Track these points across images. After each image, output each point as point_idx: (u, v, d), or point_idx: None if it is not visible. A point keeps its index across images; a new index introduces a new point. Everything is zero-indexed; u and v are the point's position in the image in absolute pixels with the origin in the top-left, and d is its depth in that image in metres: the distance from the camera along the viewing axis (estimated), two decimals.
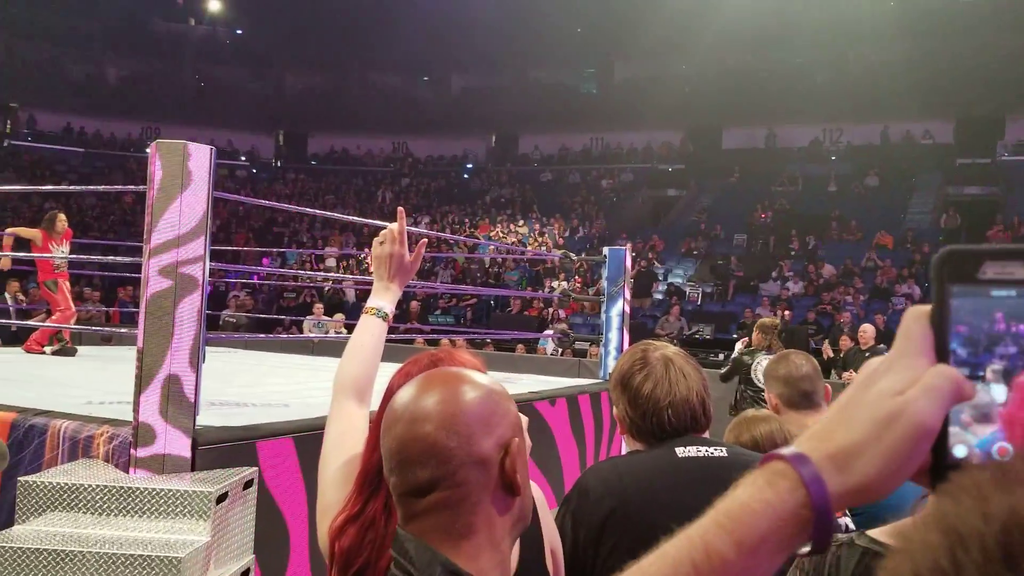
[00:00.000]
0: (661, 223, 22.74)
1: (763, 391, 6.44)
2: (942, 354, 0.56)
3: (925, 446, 0.55)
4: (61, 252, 6.58)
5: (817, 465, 0.56)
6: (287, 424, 3.38)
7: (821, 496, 0.55)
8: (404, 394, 1.00)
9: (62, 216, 6.70)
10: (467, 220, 22.36)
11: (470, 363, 1.33)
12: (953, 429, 0.55)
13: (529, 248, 18.13)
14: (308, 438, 3.34)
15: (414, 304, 15.71)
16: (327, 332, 11.01)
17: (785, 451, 0.58)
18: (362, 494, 1.27)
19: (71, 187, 4.28)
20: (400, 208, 1.84)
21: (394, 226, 1.71)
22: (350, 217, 5.68)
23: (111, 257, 7.68)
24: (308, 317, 11.50)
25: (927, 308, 0.57)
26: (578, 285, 16.44)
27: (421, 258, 1.71)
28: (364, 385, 1.54)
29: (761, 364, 6.56)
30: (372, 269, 1.72)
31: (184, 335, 2.91)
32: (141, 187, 3.09)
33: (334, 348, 8.99)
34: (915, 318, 0.58)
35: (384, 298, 1.68)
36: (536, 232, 20.90)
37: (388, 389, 1.31)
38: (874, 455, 0.55)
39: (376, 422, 1.20)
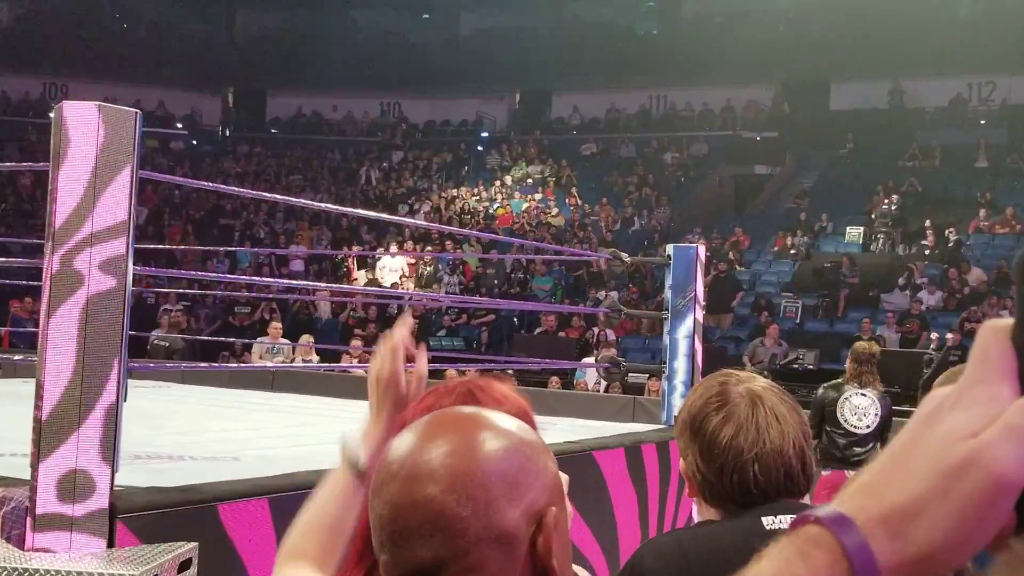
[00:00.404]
0: (746, 212, 22.65)
1: (854, 434, 6.86)
2: None
3: (1006, 503, 0.56)
4: None
5: (863, 530, 0.57)
6: (243, 484, 3.41)
7: (869, 570, 0.56)
8: (403, 442, 1.00)
9: None
10: (482, 208, 22.42)
11: (511, 402, 1.33)
12: None
13: (566, 246, 18.11)
14: (284, 500, 3.37)
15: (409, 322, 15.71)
16: (291, 360, 11.08)
17: (822, 511, 0.59)
18: (363, 562, 1.27)
19: None
20: (407, 316, 1.70)
21: (393, 336, 1.58)
22: (323, 205, 5.72)
23: (2, 259, 7.77)
24: (260, 340, 11.57)
25: (1010, 322, 0.59)
26: (633, 296, 16.42)
27: (423, 385, 1.56)
28: (321, 556, 1.45)
29: (851, 400, 6.89)
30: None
31: (99, 364, 2.94)
32: (43, 164, 3.14)
33: (300, 382, 9.01)
34: (994, 335, 0.59)
35: (368, 438, 1.55)
36: (575, 225, 20.92)
37: (402, 421, 1.35)
38: (939, 516, 0.56)
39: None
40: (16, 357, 4.48)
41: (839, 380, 7.14)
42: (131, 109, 3.10)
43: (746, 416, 1.76)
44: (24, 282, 8.71)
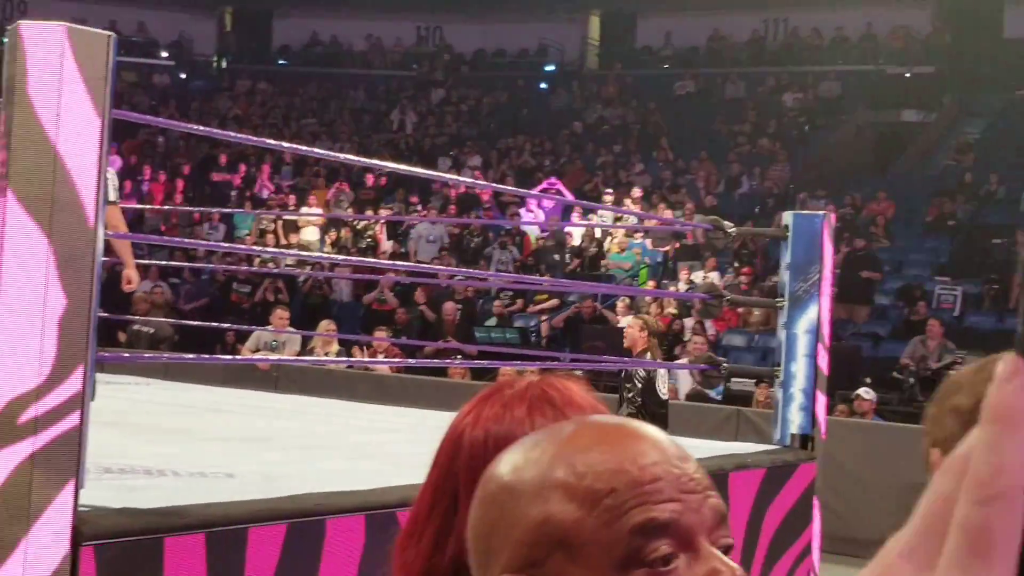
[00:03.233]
0: (891, 170, 22.36)
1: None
2: None
3: None
4: None
5: None
6: (240, 507, 3.48)
7: None
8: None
9: None
10: (547, 162, 22.39)
11: (592, 410, 1.39)
12: None
13: (653, 214, 18.04)
14: (300, 528, 3.44)
15: (450, 308, 15.79)
16: (316, 351, 11.11)
17: None
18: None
19: None
20: None
21: None
22: (345, 156, 5.75)
23: None
24: (259, 329, 11.65)
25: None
26: (740, 279, 16.32)
27: None
28: None
29: (662, 373, 8.55)
30: None
31: (61, 351, 2.98)
32: None
33: (310, 381, 9.09)
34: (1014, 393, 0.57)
35: None
36: (665, 186, 20.81)
37: (453, 434, 1.41)
38: None
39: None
40: None
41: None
42: (104, 32, 3.13)
43: None
44: None
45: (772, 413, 6.72)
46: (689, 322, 15.25)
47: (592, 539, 0.98)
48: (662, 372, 8.70)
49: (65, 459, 2.99)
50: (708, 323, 14.71)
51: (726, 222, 7.11)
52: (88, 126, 3.02)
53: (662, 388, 8.70)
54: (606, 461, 1.01)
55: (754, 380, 11.17)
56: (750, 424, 9.46)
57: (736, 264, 17.01)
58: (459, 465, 1.39)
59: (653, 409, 8.39)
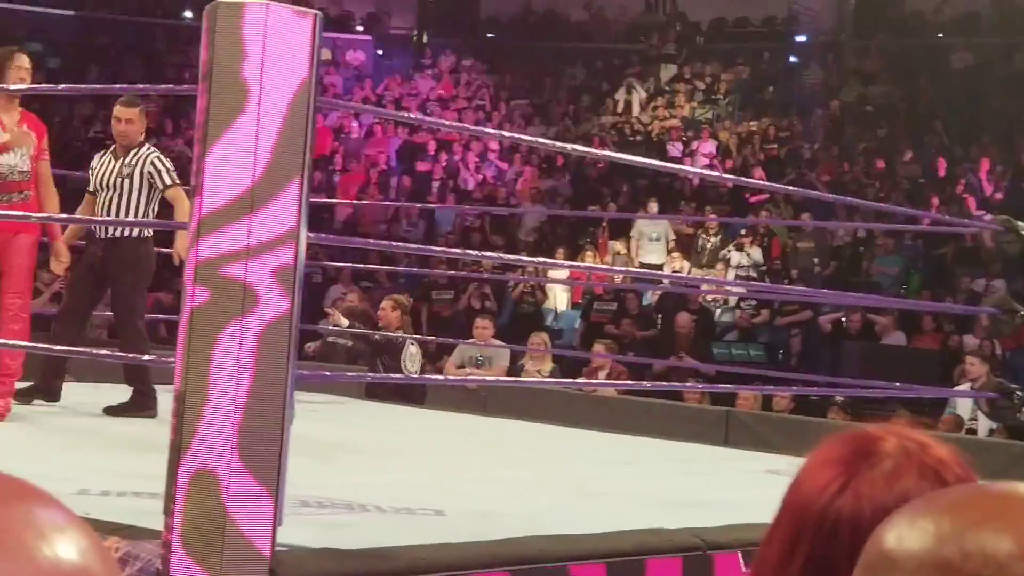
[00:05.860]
0: None
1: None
2: None
3: None
4: (15, 155, 6.51)
5: None
6: (453, 551, 3.51)
7: None
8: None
9: (23, 59, 6.60)
10: (799, 148, 22.07)
11: (959, 466, 1.39)
12: None
13: (926, 210, 17.60)
14: None
15: (683, 319, 15.70)
16: (526, 369, 11.20)
17: None
18: None
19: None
20: None
21: None
22: (563, 145, 5.78)
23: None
24: (464, 343, 11.77)
25: None
26: None
27: None
28: None
29: (411, 350, 9.89)
30: None
31: (261, 372, 3.05)
32: (185, 88, 3.29)
33: (524, 403, 9.12)
34: None
35: None
36: (939, 177, 20.31)
37: (823, 514, 1.39)
38: None
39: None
40: (145, 357, 4.68)
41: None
42: (310, 11, 3.20)
43: None
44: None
45: None
46: (970, 340, 14.86)
47: None
48: (411, 351, 9.89)
49: (263, 491, 3.06)
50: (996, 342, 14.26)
51: (1020, 223, 6.89)
52: (293, 115, 3.08)
53: (410, 366, 9.79)
54: (1001, 542, 0.96)
55: None
56: None
57: None
58: (840, 553, 1.35)
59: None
